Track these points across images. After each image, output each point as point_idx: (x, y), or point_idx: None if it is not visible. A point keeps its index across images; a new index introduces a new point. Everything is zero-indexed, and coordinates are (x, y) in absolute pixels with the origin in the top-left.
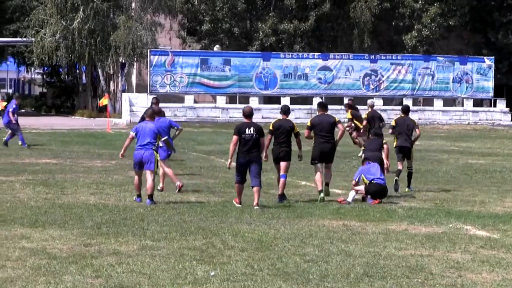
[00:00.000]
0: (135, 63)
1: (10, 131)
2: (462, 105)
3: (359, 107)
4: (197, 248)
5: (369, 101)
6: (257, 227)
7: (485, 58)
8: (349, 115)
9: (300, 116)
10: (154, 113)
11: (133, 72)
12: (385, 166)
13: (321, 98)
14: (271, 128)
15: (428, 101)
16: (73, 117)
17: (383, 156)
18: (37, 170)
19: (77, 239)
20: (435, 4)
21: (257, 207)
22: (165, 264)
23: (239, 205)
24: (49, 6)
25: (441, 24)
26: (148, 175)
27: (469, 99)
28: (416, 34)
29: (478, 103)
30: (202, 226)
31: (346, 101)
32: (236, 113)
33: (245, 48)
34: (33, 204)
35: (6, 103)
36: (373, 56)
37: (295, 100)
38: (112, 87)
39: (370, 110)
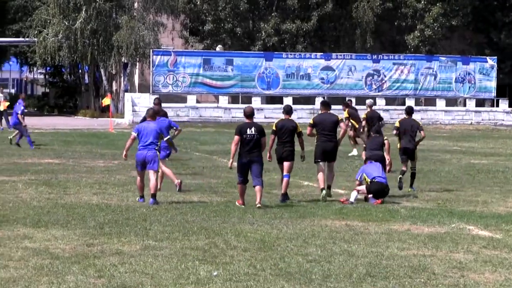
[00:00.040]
0: (137, 63)
1: (17, 131)
2: (464, 105)
3: (361, 107)
4: (200, 248)
5: (367, 101)
6: (259, 227)
7: (487, 58)
8: (346, 114)
9: (303, 116)
10: (155, 113)
11: (136, 72)
12: (387, 161)
13: (324, 98)
14: (274, 128)
15: (431, 101)
16: (75, 117)
17: (385, 153)
18: (40, 170)
19: (80, 239)
20: (438, 4)
21: (259, 205)
22: (168, 264)
23: (242, 206)
24: (52, 6)
25: (444, 24)
26: (152, 175)
27: (471, 99)
28: (419, 34)
29: (480, 103)
30: (204, 226)
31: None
32: (238, 113)
33: (248, 48)
34: (36, 204)
35: (8, 103)
36: (375, 56)
37: (298, 100)
38: (114, 87)
39: (369, 110)
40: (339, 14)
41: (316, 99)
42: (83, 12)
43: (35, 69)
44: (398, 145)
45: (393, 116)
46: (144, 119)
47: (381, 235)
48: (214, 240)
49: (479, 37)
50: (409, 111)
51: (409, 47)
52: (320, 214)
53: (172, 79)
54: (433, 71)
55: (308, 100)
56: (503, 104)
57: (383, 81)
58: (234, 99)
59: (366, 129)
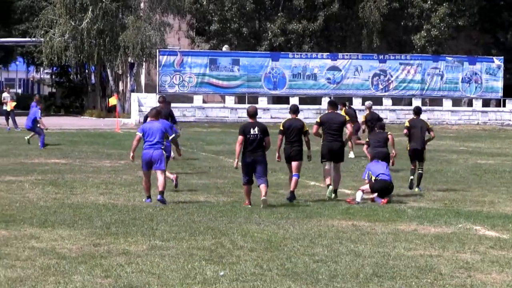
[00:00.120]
0: (144, 63)
1: (33, 133)
2: (470, 105)
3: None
4: (206, 248)
5: (366, 103)
6: (266, 227)
7: (494, 58)
8: (343, 113)
9: (309, 116)
10: (158, 112)
11: (142, 72)
12: (391, 155)
13: (330, 98)
14: (281, 128)
15: (437, 101)
16: (82, 117)
17: (390, 147)
18: (47, 170)
19: (87, 239)
20: (444, 4)
21: (265, 198)
22: (175, 264)
23: (249, 206)
24: (58, 6)
25: (450, 24)
26: (159, 175)
27: (478, 99)
28: (425, 34)
29: (487, 103)
30: (211, 226)
31: (354, 101)
32: (245, 113)
33: (254, 48)
34: (43, 204)
35: (15, 103)
36: (382, 56)
37: (304, 100)
38: (121, 87)
39: (368, 112)
40: (346, 14)
41: (323, 99)
42: (90, 12)
43: (41, 69)
44: (408, 146)
45: (399, 116)
46: (146, 118)
47: (388, 235)
48: (221, 240)
49: (486, 37)
50: (417, 111)
51: (416, 47)
52: (327, 214)
53: (178, 79)
54: (439, 71)
55: (314, 100)
56: (510, 104)
57: (390, 81)
58: (240, 99)
59: (366, 131)
